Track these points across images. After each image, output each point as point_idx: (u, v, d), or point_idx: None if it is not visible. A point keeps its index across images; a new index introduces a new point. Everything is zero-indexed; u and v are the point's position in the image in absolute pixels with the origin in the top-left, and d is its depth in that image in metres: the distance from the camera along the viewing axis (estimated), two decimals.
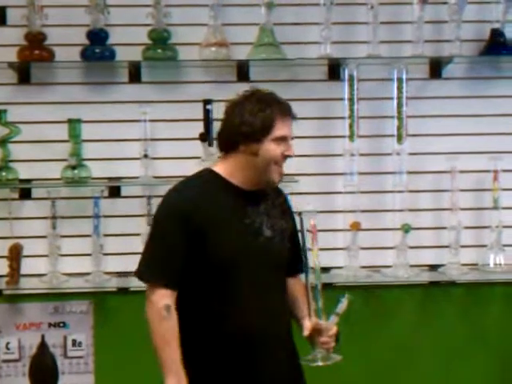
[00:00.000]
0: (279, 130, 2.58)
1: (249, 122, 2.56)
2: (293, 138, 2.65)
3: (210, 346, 2.56)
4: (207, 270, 2.54)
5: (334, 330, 2.63)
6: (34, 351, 3.73)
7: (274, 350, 2.59)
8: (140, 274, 2.63)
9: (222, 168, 2.65)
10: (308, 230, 2.66)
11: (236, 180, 2.62)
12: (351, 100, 3.75)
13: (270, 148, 2.57)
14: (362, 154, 3.79)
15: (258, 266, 2.58)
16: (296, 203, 2.84)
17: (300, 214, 2.67)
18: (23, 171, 3.73)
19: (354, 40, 3.85)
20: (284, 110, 2.62)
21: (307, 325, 2.62)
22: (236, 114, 2.60)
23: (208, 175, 2.66)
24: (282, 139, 2.59)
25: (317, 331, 2.62)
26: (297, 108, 3.74)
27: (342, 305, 2.64)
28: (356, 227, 3.76)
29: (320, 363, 2.62)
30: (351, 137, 3.76)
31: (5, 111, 3.67)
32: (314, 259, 2.66)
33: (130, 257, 3.75)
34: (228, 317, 2.55)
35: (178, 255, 2.53)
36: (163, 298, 2.52)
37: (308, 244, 2.66)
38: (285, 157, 2.61)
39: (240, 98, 2.65)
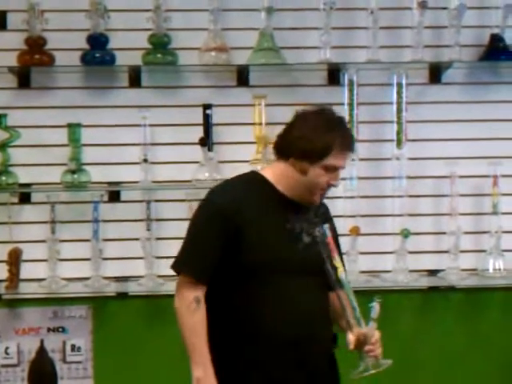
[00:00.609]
0: (333, 159, 2.55)
1: (307, 140, 2.54)
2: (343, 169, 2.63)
3: (239, 348, 2.57)
4: (242, 271, 2.55)
5: (376, 335, 2.59)
6: (33, 356, 3.73)
7: (307, 359, 2.58)
8: (174, 265, 2.64)
9: (269, 172, 2.65)
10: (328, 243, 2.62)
11: (280, 186, 2.62)
12: (351, 105, 3.75)
13: (318, 173, 2.56)
14: (361, 159, 3.79)
15: (294, 271, 2.57)
16: None
17: (322, 227, 2.63)
18: (23, 175, 3.73)
19: (354, 45, 3.85)
20: (345, 142, 2.58)
21: (350, 338, 2.57)
22: (298, 126, 2.59)
23: (253, 177, 2.67)
24: (333, 169, 2.58)
25: (361, 342, 2.58)
26: None
27: (376, 310, 2.60)
28: (355, 232, 3.76)
29: (373, 371, 2.58)
30: None
31: (5, 115, 3.67)
32: (338, 272, 2.61)
33: (129, 261, 3.78)
34: (258, 319, 2.55)
35: (212, 253, 2.55)
36: (194, 291, 2.54)
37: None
38: (330, 185, 2.61)
39: (310, 111, 2.62)
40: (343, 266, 2.64)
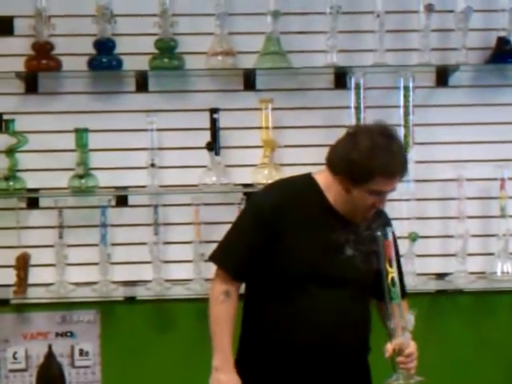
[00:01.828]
0: (376, 185, 2.50)
1: (349, 163, 2.48)
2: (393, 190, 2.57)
3: (265, 353, 2.61)
4: (276, 275, 2.57)
5: (411, 348, 2.54)
6: (42, 361, 3.73)
7: (338, 370, 2.60)
8: (212, 256, 2.70)
9: (322, 178, 2.62)
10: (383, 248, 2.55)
11: (329, 195, 2.60)
12: (357, 108, 3.75)
13: (361, 196, 2.52)
14: None
15: (331, 282, 2.56)
16: None
17: (378, 234, 2.55)
18: (31, 180, 3.74)
19: (361, 48, 3.85)
20: (390, 168, 2.49)
21: (387, 347, 2.54)
22: (347, 143, 2.53)
23: (306, 181, 2.64)
24: (378, 192, 2.52)
25: (398, 352, 2.54)
26: (303, 116, 3.81)
27: (411, 321, 2.55)
28: None
29: (402, 382, 2.54)
30: None
31: (12, 121, 3.68)
32: (389, 277, 2.54)
33: (137, 266, 3.78)
34: (286, 327, 2.58)
35: (248, 252, 2.59)
36: (225, 285, 2.61)
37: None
38: (374, 207, 2.57)
39: (361, 128, 2.60)
40: (399, 273, 2.58)
